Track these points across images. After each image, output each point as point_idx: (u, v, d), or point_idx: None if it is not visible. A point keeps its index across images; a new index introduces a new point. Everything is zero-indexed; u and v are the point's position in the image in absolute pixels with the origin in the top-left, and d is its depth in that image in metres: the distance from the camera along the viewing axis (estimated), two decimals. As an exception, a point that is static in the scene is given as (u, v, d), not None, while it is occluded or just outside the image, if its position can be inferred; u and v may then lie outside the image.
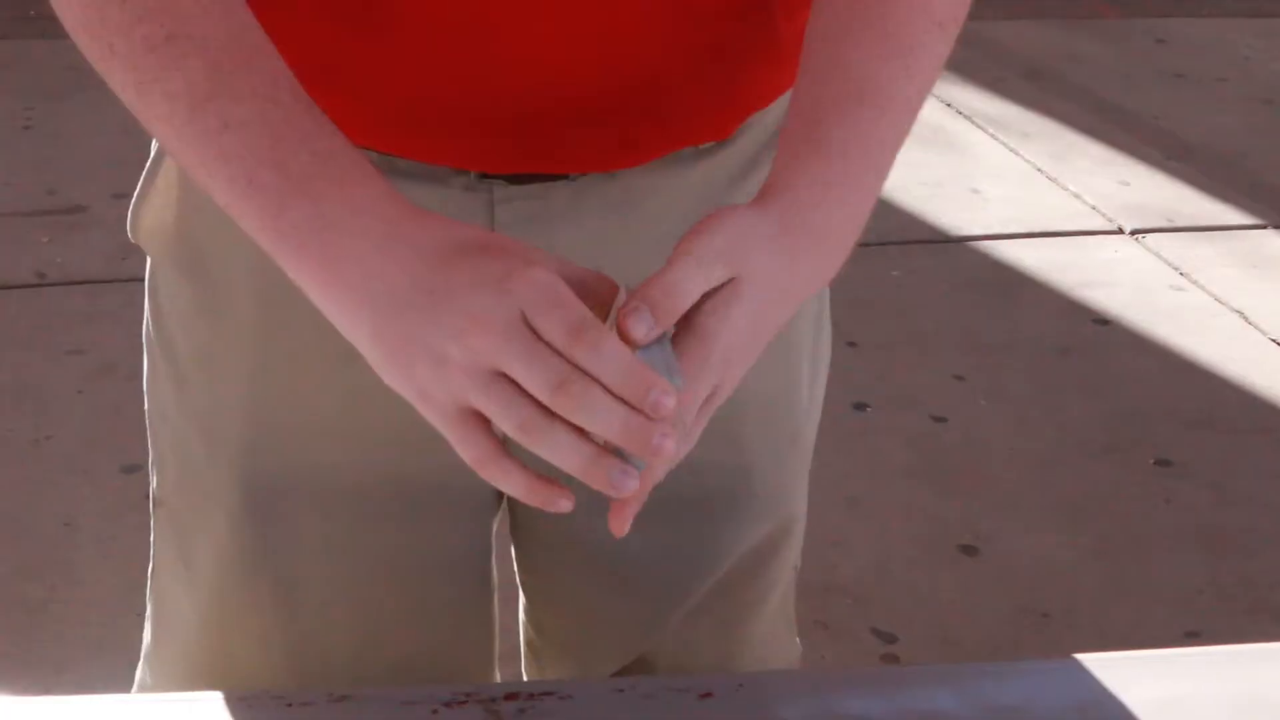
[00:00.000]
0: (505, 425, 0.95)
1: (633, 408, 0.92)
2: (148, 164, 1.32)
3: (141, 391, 1.41)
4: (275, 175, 1.01)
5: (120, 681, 1.53)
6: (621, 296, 0.99)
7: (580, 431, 0.94)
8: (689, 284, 0.97)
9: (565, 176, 1.24)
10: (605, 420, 0.92)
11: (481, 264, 0.96)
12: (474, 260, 0.97)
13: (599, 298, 1.00)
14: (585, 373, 0.92)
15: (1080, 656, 1.24)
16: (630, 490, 0.95)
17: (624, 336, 0.95)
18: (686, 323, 0.99)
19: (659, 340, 0.96)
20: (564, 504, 0.97)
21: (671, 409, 0.91)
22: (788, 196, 1.05)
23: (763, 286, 1.01)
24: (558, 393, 0.92)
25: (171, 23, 1.04)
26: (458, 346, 0.94)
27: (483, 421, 0.96)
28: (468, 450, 0.97)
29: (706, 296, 0.99)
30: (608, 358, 0.92)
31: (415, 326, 0.96)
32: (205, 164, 1.03)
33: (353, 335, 1.00)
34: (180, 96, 1.03)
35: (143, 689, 1.48)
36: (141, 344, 1.39)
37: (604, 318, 0.98)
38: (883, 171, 1.11)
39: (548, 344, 0.93)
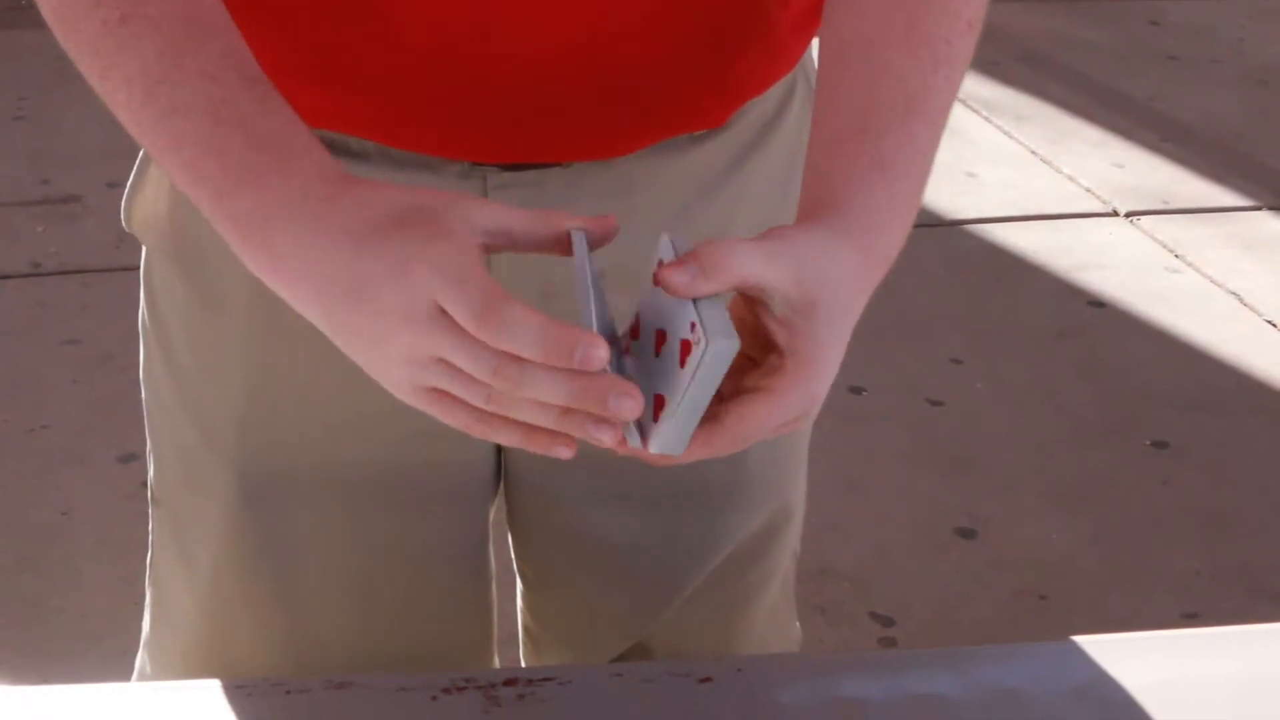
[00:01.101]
0: (470, 401, 0.93)
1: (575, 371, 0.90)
2: (141, 153, 1.32)
3: (138, 381, 1.41)
4: (216, 164, 1.00)
5: (118, 671, 1.53)
6: (580, 244, 0.96)
7: None
8: (749, 256, 0.95)
9: (559, 164, 1.23)
10: (548, 391, 0.90)
11: (391, 244, 0.94)
12: (386, 241, 0.94)
13: (548, 235, 0.97)
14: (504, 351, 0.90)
15: (1078, 639, 1.24)
16: (611, 441, 0.92)
17: (670, 287, 0.93)
18: (786, 348, 0.97)
19: (712, 300, 0.93)
20: (563, 451, 0.95)
21: (604, 359, 0.88)
22: (864, 220, 1.03)
23: (838, 305, 0.99)
24: (495, 377, 0.91)
25: (126, 4, 1.03)
26: (394, 342, 0.93)
27: (450, 393, 0.95)
28: (449, 421, 0.96)
29: (796, 320, 0.96)
30: (517, 331, 0.89)
31: (355, 318, 0.95)
32: (160, 151, 1.02)
33: (315, 323, 0.99)
34: (135, 80, 1.02)
35: (142, 676, 1.48)
36: (137, 333, 1.39)
37: (565, 252, 0.96)
38: (927, 180, 1.10)
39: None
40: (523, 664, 1.55)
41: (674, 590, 1.41)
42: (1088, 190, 4.63)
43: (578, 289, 0.94)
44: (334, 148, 1.22)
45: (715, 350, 0.91)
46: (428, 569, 1.37)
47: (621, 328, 0.99)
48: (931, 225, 4.40)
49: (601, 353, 0.88)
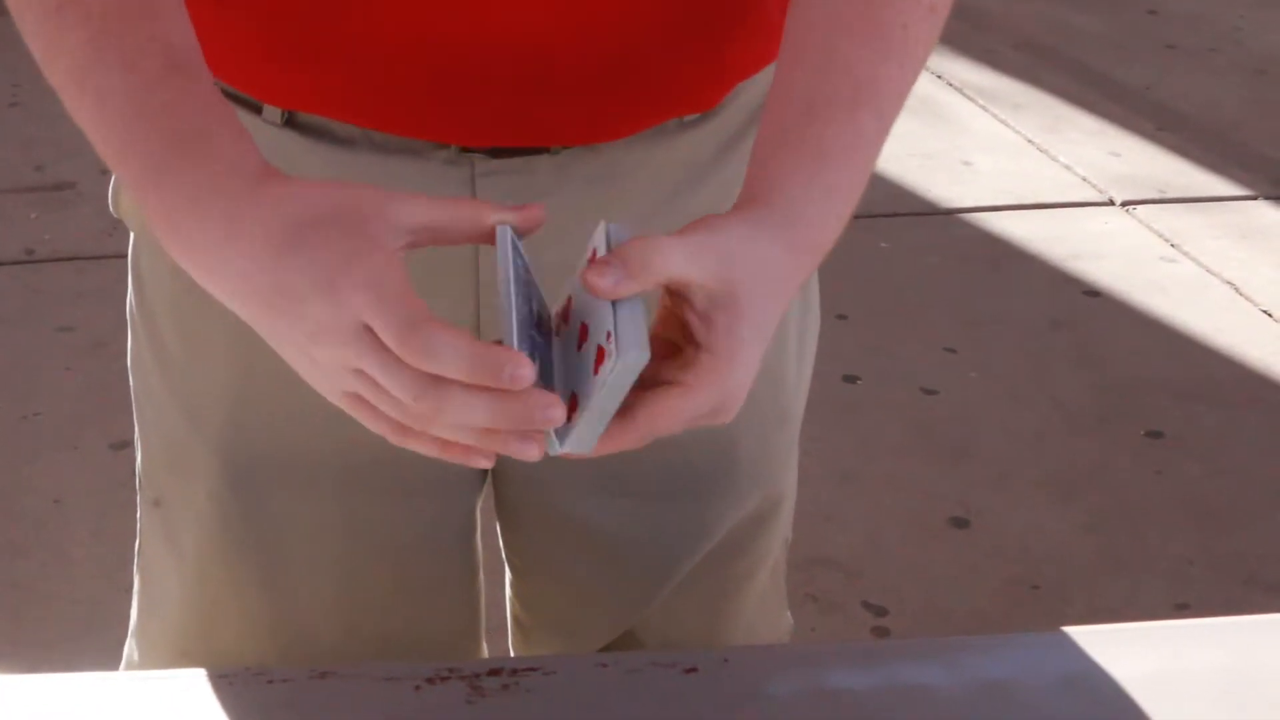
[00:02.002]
0: (392, 415, 0.92)
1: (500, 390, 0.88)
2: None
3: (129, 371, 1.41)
4: (136, 162, 0.99)
5: (110, 659, 1.53)
6: (504, 239, 0.95)
7: None
8: (673, 254, 0.94)
9: (548, 149, 1.23)
10: (471, 416, 0.89)
11: (317, 255, 0.91)
12: (310, 251, 0.91)
13: (474, 228, 0.95)
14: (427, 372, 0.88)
15: (1068, 629, 1.24)
16: (536, 456, 0.91)
17: (591, 289, 0.92)
18: (703, 342, 0.96)
19: (631, 302, 0.92)
20: (481, 461, 0.94)
21: (530, 378, 0.87)
22: (792, 209, 1.02)
23: (762, 299, 0.98)
24: (416, 404, 0.89)
25: None
26: (317, 349, 0.92)
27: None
28: (371, 427, 0.95)
29: (715, 315, 0.96)
30: (441, 354, 0.87)
31: (277, 324, 0.94)
32: (95, 143, 1.02)
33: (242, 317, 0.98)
34: (71, 70, 1.02)
35: (130, 664, 1.48)
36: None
37: (488, 239, 0.95)
38: (871, 169, 1.09)
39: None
40: (511, 653, 1.54)
41: (663, 579, 1.41)
42: (1084, 179, 4.63)
43: (499, 284, 0.93)
44: (319, 133, 1.22)
45: (624, 363, 0.90)
46: (414, 557, 1.37)
47: (556, 307, 0.99)
48: (926, 214, 4.39)
49: (528, 373, 0.87)
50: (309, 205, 0.94)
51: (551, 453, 0.93)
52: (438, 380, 0.89)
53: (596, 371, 0.92)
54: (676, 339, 0.98)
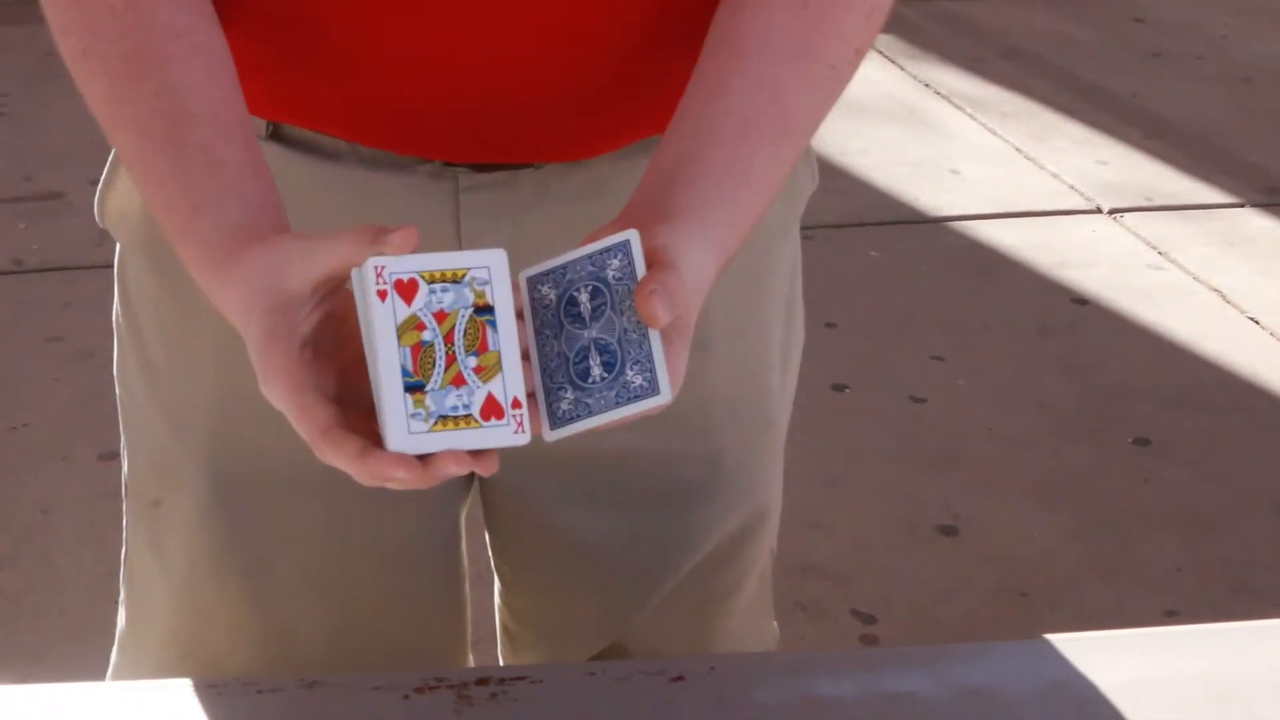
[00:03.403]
0: None
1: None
2: (113, 150, 1.32)
3: (116, 382, 1.41)
4: (157, 210, 1.07)
5: (99, 669, 1.53)
6: (633, 243, 0.98)
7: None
8: (684, 286, 0.99)
9: (531, 165, 1.23)
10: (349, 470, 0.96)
11: (254, 354, 0.99)
12: (250, 347, 1.00)
13: (350, 251, 0.97)
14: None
15: (1053, 637, 1.24)
16: (490, 472, 0.97)
17: (648, 319, 0.95)
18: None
19: (656, 335, 0.96)
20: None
21: (405, 479, 0.94)
22: (724, 234, 1.06)
23: (695, 317, 1.02)
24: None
25: (87, 36, 1.09)
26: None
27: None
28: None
29: (672, 338, 0.99)
30: (339, 464, 0.96)
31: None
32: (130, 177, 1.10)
33: None
34: (98, 112, 1.09)
35: (117, 674, 1.48)
36: (115, 330, 1.39)
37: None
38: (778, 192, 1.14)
39: None
40: (500, 662, 1.55)
41: (650, 589, 1.41)
42: (1071, 187, 4.63)
43: (364, 331, 0.96)
44: (307, 146, 1.22)
45: (659, 401, 0.95)
46: (400, 566, 1.37)
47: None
48: (914, 222, 4.40)
49: (402, 474, 0.93)
50: (246, 291, 1.00)
51: (544, 436, 0.97)
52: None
53: (619, 394, 0.95)
54: None
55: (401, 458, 0.93)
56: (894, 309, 3.94)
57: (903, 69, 5.34)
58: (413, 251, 0.95)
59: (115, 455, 3.01)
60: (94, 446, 3.17)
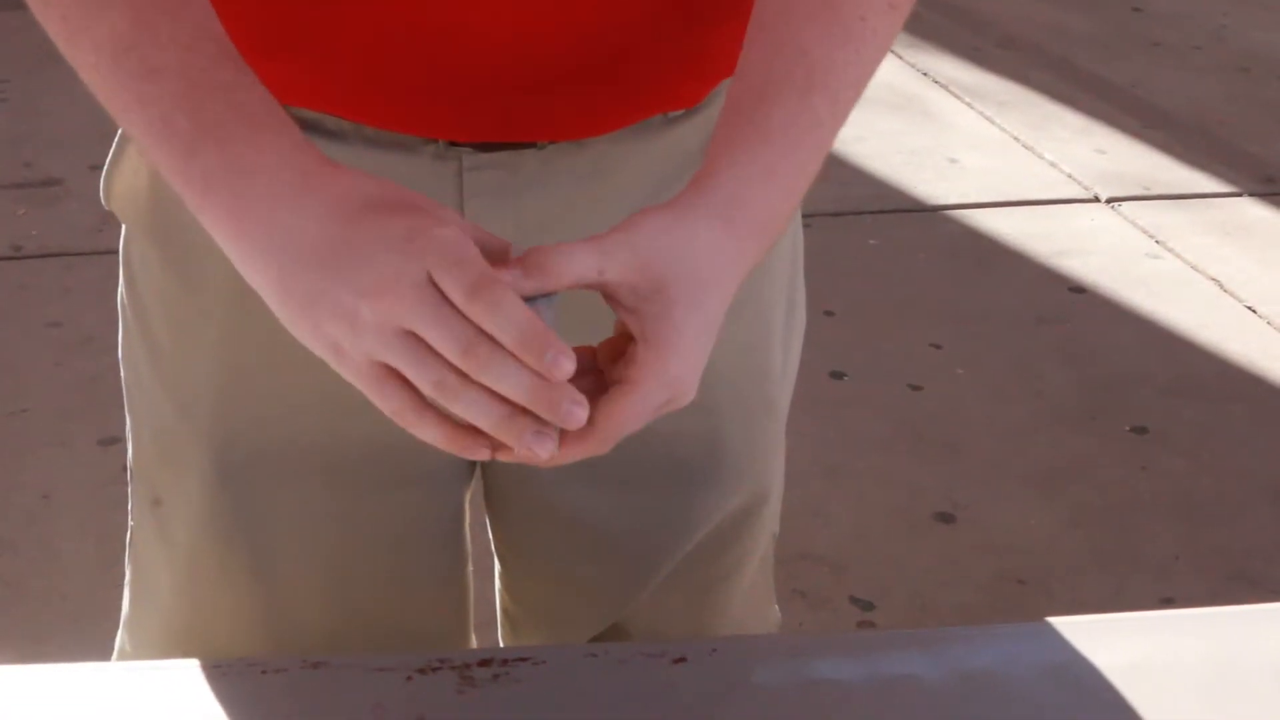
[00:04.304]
0: (419, 384, 0.94)
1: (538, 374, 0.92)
2: (120, 130, 1.32)
3: (117, 365, 1.41)
4: (188, 121, 1.00)
5: (101, 653, 1.53)
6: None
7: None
8: (581, 254, 0.97)
9: (534, 145, 1.24)
10: (512, 384, 0.92)
11: (390, 221, 0.95)
12: (383, 217, 0.96)
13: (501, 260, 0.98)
14: (485, 332, 0.92)
15: (1052, 620, 1.25)
16: (546, 455, 0.94)
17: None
18: (638, 335, 0.99)
19: (546, 300, 0.96)
20: (482, 452, 0.97)
21: (569, 370, 0.90)
22: (728, 187, 1.03)
23: (698, 283, 1.00)
24: (465, 356, 0.92)
25: None
26: (367, 306, 0.94)
27: (397, 375, 0.96)
28: (385, 404, 0.97)
29: (644, 308, 0.98)
30: (504, 315, 0.91)
31: (324, 283, 0.95)
32: (126, 109, 1.02)
33: (260, 287, 0.99)
34: (105, 45, 1.03)
35: (122, 655, 1.48)
36: (119, 317, 1.39)
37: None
38: (825, 153, 1.10)
39: (454, 306, 0.92)
40: (501, 645, 1.55)
41: (650, 571, 1.42)
42: (1069, 176, 4.64)
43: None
44: (310, 126, 1.22)
45: None
46: (404, 548, 1.37)
47: None
48: (913, 210, 4.40)
49: (568, 365, 0.90)
50: (381, 191, 0.98)
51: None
52: (489, 338, 0.92)
53: None
54: (624, 344, 1.01)
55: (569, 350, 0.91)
56: (892, 297, 3.94)
57: (901, 58, 5.35)
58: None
59: (116, 440, 3.04)
60: (94, 432, 3.18)
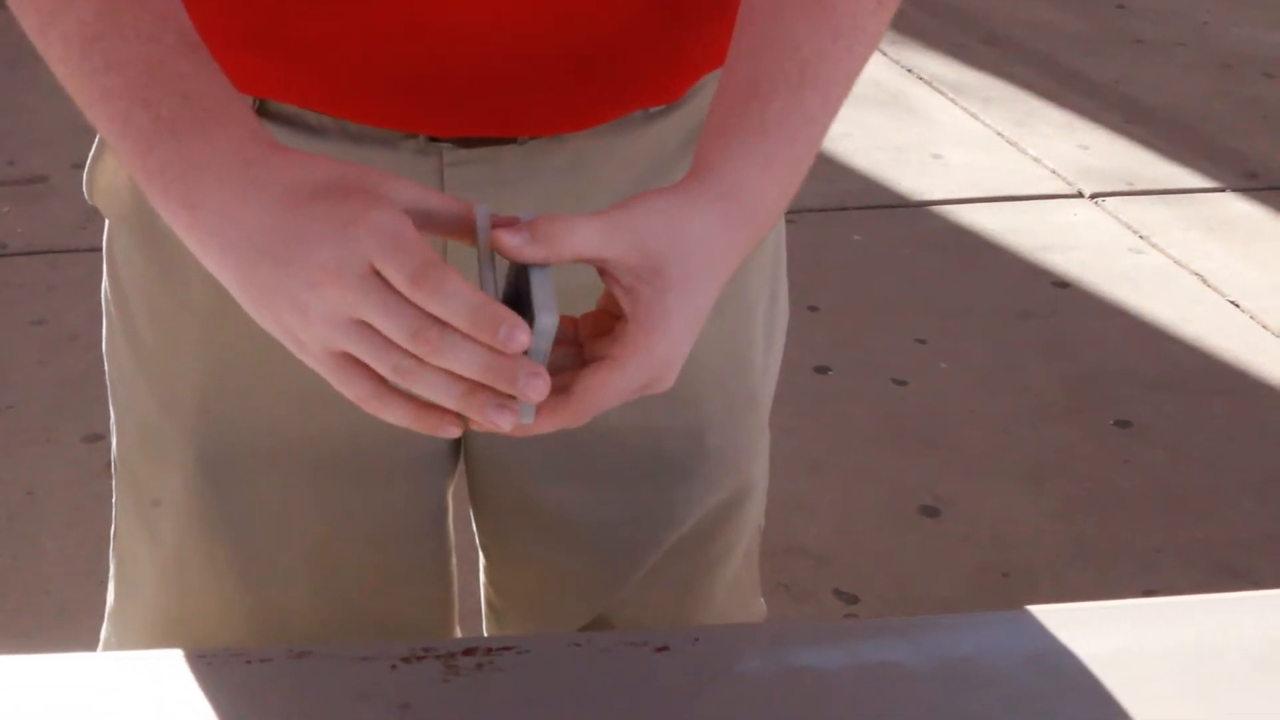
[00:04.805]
0: (378, 369, 0.95)
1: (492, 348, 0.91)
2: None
3: (102, 362, 1.41)
4: (146, 116, 1.00)
5: (85, 648, 1.53)
6: (482, 217, 0.98)
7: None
8: (586, 229, 0.97)
9: (515, 140, 1.24)
10: (466, 363, 0.92)
11: (331, 208, 0.95)
12: (324, 204, 0.95)
13: (466, 224, 0.98)
14: (434, 316, 0.92)
15: (1033, 608, 1.25)
16: (508, 426, 0.94)
17: (500, 245, 0.95)
18: (629, 314, 0.99)
19: (543, 270, 0.95)
20: (451, 430, 0.97)
21: (525, 343, 0.90)
22: (728, 178, 1.04)
23: (693, 270, 1.00)
24: (415, 340, 0.92)
25: None
26: (315, 298, 0.94)
27: (356, 362, 0.96)
28: (348, 390, 0.97)
29: (639, 288, 0.98)
30: (451, 298, 0.91)
31: (274, 277, 0.96)
32: (90, 104, 1.03)
33: (222, 279, 1.00)
34: (73, 38, 1.03)
35: (107, 648, 1.49)
36: (103, 314, 1.39)
37: (474, 243, 0.98)
38: (816, 149, 1.11)
39: (399, 292, 0.92)
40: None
41: (634, 564, 1.42)
42: (1053, 172, 4.65)
43: (481, 267, 0.96)
44: (291, 122, 1.23)
45: (538, 328, 0.93)
46: (387, 541, 1.38)
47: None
48: (897, 206, 4.41)
49: (523, 337, 0.90)
50: (322, 172, 0.97)
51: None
52: (438, 320, 0.92)
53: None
54: (611, 320, 1.01)
55: (523, 322, 0.91)
56: (876, 292, 3.95)
57: (885, 54, 5.35)
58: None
59: (100, 437, 3.04)
60: (79, 428, 3.18)
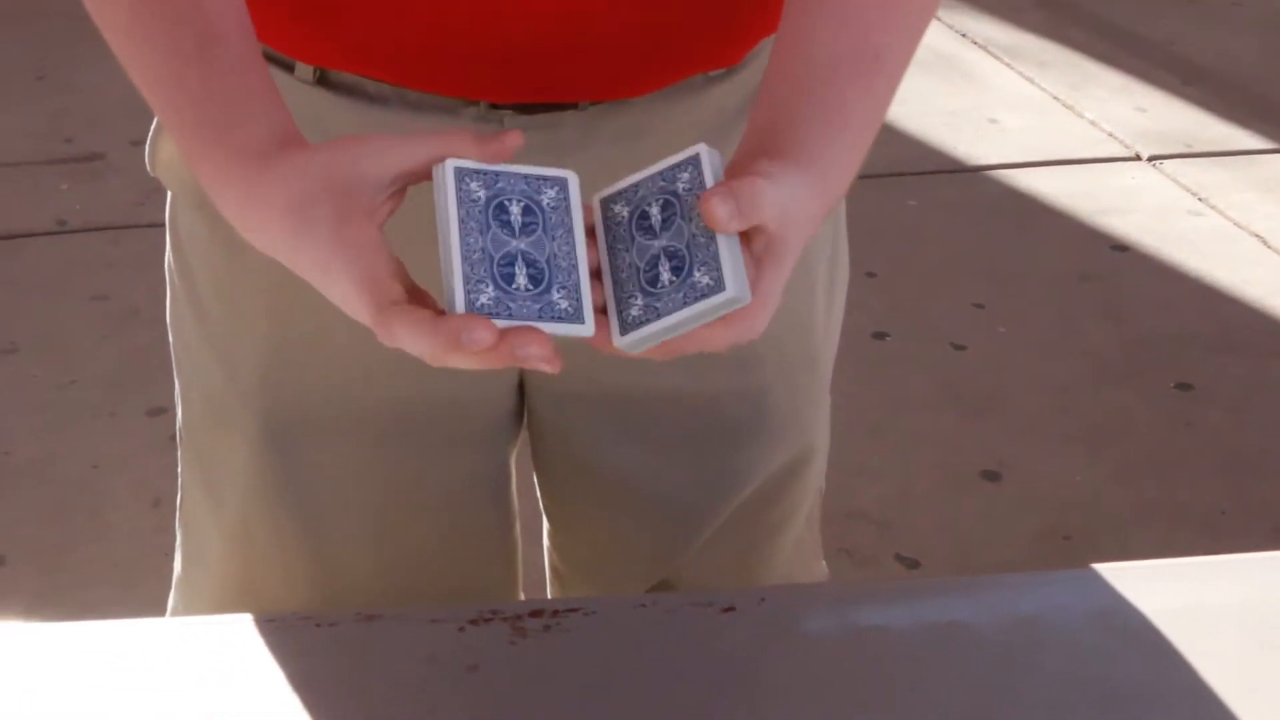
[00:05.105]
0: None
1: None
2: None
3: (165, 336, 1.42)
4: (178, 134, 1.06)
5: (150, 618, 1.55)
6: (707, 156, 0.99)
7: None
8: (768, 196, 0.97)
9: (575, 105, 1.24)
10: (419, 348, 0.93)
11: (319, 232, 0.97)
12: (311, 229, 0.97)
13: (456, 148, 0.98)
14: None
15: (1098, 566, 1.25)
16: (530, 356, 0.93)
17: (709, 218, 0.95)
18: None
19: (731, 238, 0.96)
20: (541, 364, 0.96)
21: (487, 340, 0.91)
22: (825, 169, 1.05)
23: (795, 250, 1.01)
24: (434, 362, 0.94)
25: None
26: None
27: None
28: (408, 349, 0.98)
29: (765, 260, 0.99)
30: (403, 337, 0.93)
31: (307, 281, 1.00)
32: (144, 96, 1.07)
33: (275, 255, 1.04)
34: (119, 41, 1.07)
35: (174, 615, 1.50)
36: (164, 289, 1.40)
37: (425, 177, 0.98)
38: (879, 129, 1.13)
39: None
40: (550, 600, 1.56)
41: (696, 528, 1.43)
42: (1110, 135, 4.63)
43: (440, 225, 0.96)
44: (351, 91, 1.23)
45: (727, 298, 0.94)
46: (450, 508, 1.38)
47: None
48: (954, 171, 4.40)
49: (484, 334, 0.90)
50: (305, 177, 0.98)
51: (615, 343, 0.96)
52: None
53: (686, 294, 0.95)
54: None
55: (480, 317, 0.91)
56: (934, 258, 3.94)
57: (939, 19, 5.33)
58: (511, 158, 0.97)
59: (162, 410, 3.06)
60: (141, 403, 3.20)
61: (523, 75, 1.22)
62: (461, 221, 0.95)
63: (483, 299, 0.93)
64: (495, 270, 0.95)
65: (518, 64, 1.21)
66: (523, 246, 0.96)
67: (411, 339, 0.92)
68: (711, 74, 1.28)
